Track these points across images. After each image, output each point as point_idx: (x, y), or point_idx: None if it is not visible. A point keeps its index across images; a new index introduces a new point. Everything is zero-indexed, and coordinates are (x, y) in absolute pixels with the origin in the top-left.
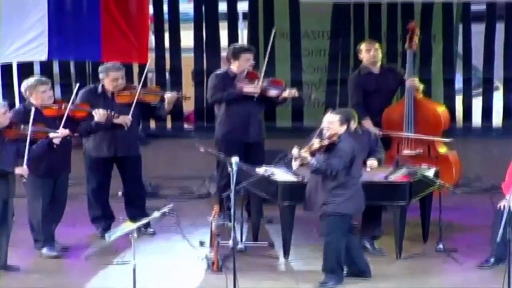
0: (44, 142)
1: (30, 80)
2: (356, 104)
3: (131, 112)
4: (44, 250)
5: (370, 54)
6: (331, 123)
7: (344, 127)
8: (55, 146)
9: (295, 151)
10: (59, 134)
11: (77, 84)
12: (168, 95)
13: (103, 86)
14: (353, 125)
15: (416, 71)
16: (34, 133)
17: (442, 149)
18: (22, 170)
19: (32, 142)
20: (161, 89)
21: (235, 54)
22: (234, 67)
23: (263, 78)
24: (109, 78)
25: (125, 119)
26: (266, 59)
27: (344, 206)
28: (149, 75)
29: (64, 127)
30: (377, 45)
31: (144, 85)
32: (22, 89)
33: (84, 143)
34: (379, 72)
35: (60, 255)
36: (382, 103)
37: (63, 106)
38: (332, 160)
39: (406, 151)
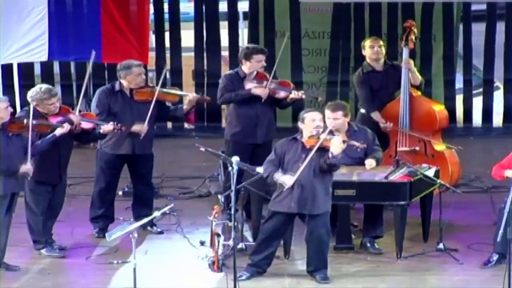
0: (48, 139)
1: (38, 92)
2: (364, 100)
3: (149, 113)
4: (44, 251)
5: (373, 50)
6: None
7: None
8: (58, 135)
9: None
10: (64, 129)
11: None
12: (190, 96)
13: (120, 83)
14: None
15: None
16: (37, 126)
17: (439, 147)
18: (26, 168)
19: (38, 136)
20: (180, 90)
21: (247, 55)
22: (245, 68)
23: (272, 79)
24: (133, 74)
25: (142, 128)
26: (277, 60)
27: (330, 203)
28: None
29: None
30: (381, 42)
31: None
32: (29, 99)
33: (100, 141)
34: (382, 69)
35: (60, 256)
36: (387, 101)
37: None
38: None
39: (402, 148)
